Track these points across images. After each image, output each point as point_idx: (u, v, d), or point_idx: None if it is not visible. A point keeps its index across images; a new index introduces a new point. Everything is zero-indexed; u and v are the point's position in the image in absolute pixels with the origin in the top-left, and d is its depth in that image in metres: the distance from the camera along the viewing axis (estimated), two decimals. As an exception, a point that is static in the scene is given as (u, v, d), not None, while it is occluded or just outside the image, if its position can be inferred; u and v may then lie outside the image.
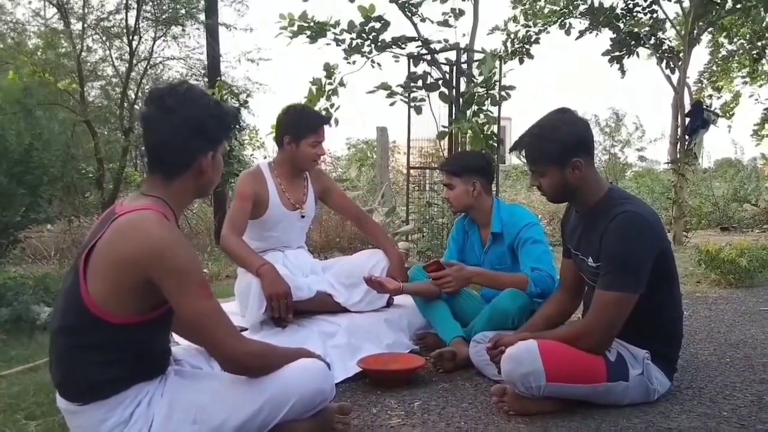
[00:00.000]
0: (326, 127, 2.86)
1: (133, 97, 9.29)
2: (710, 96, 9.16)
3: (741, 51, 8.66)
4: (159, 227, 1.48)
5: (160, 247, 1.46)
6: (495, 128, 4.55)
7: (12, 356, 2.82)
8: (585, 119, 2.14)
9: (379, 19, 4.40)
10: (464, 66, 4.57)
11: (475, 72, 4.43)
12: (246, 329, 2.57)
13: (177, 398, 1.58)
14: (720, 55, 8.85)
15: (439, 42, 4.54)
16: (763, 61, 8.57)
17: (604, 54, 7.70)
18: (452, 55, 4.62)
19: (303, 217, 2.92)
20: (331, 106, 4.60)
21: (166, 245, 1.47)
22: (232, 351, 1.56)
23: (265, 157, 8.38)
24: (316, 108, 4.55)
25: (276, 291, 2.50)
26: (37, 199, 4.26)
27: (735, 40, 8.45)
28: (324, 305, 2.80)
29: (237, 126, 1.68)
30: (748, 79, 9.15)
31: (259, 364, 1.64)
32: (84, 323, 1.49)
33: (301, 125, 2.79)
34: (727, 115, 9.40)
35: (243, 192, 2.76)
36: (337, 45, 4.52)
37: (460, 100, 4.44)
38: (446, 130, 4.42)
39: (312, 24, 4.37)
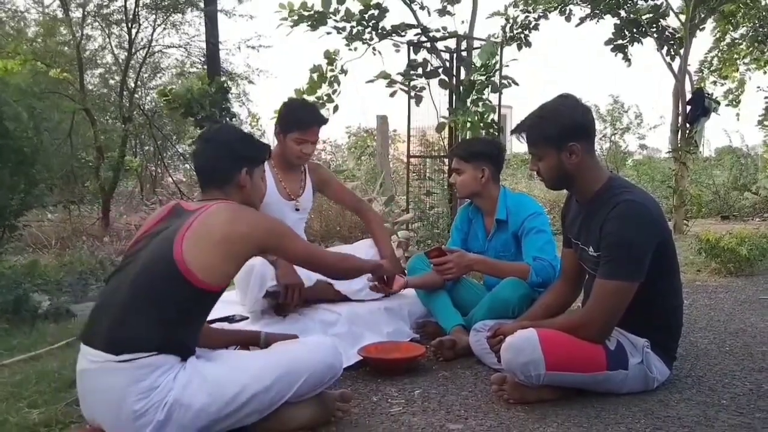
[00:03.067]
0: (318, 128, 2.81)
1: (133, 85, 9.25)
2: (714, 83, 9.10)
3: (745, 37, 8.59)
4: (258, 212, 1.86)
5: (271, 225, 1.84)
6: (495, 116, 4.54)
7: (14, 345, 2.83)
8: (587, 105, 2.13)
9: (378, 6, 4.38)
10: (464, 54, 4.55)
11: (476, 60, 4.41)
12: (247, 318, 2.58)
13: (194, 371, 1.65)
14: (724, 43, 8.78)
15: (438, 30, 4.53)
16: (766, 48, 8.50)
17: (607, 43, 7.64)
18: (452, 42, 4.61)
19: (297, 210, 2.92)
20: (333, 92, 4.59)
21: (273, 223, 1.86)
22: (333, 262, 2.04)
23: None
24: (318, 94, 4.54)
25: (292, 281, 2.55)
26: (32, 185, 4.24)
27: (738, 27, 8.38)
28: (324, 294, 2.80)
29: (267, 154, 2.04)
30: (751, 67, 9.08)
31: (350, 264, 2.14)
32: (168, 281, 1.64)
33: (289, 120, 2.81)
34: (734, 103, 9.34)
35: None
36: (338, 33, 4.50)
37: (461, 88, 4.42)
38: (445, 121, 4.41)
39: (312, 12, 4.35)
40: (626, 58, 7.76)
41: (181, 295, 1.66)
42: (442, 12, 4.51)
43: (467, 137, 4.23)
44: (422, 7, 4.54)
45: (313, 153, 2.92)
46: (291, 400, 1.74)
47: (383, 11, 4.41)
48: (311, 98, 4.50)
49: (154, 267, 1.68)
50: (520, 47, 6.93)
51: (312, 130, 2.80)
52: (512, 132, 2.17)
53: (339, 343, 2.49)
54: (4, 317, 3.22)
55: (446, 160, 4.63)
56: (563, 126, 2.03)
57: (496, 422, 1.90)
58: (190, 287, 1.65)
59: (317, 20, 4.39)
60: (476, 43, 4.61)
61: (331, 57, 4.54)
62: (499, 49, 4.41)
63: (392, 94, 4.43)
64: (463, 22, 4.66)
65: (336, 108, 4.61)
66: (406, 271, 2.91)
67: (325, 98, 4.58)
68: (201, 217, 1.71)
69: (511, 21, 7.06)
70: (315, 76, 4.55)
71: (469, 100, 4.26)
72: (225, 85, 6.67)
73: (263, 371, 1.71)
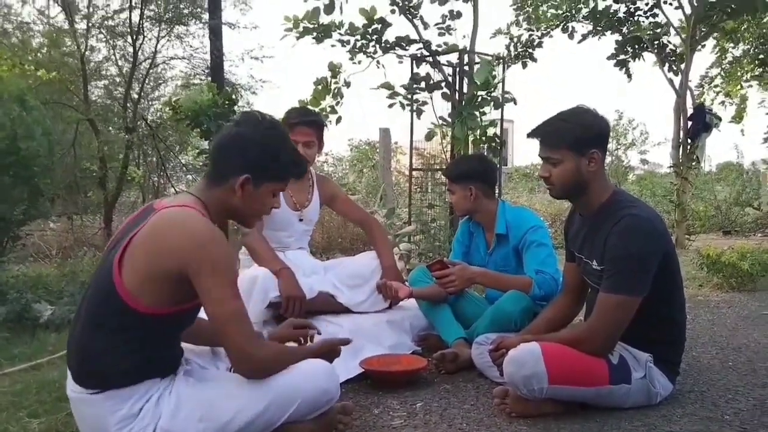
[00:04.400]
0: (310, 129, 2.79)
1: (137, 96, 9.29)
2: (722, 102, 9.14)
3: (746, 55, 8.65)
4: (200, 222, 1.56)
5: (202, 240, 1.52)
6: (497, 130, 4.57)
7: (15, 354, 2.82)
8: (605, 117, 2.13)
9: (381, 21, 4.43)
10: (466, 68, 4.59)
11: (476, 77, 4.45)
12: (259, 335, 2.58)
13: (184, 397, 1.60)
14: (726, 60, 8.84)
15: (440, 46, 4.57)
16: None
17: (609, 58, 7.70)
18: (454, 57, 4.65)
19: (301, 220, 2.92)
20: (337, 104, 4.63)
21: (208, 238, 1.52)
22: (251, 355, 1.60)
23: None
24: (322, 105, 4.58)
25: (294, 294, 2.55)
26: (35, 195, 4.25)
27: (740, 44, 8.44)
28: (327, 305, 2.80)
29: (295, 175, 1.78)
30: (752, 84, 9.13)
31: (275, 368, 1.67)
32: (113, 311, 1.53)
33: (284, 124, 2.79)
34: (737, 120, 9.37)
35: None
36: (343, 46, 4.55)
37: (462, 102, 4.45)
38: (434, 131, 4.45)
39: (317, 25, 4.40)
40: (628, 73, 7.82)
41: (134, 324, 1.54)
42: (443, 29, 4.57)
43: (465, 151, 4.27)
44: (424, 23, 4.60)
45: (312, 158, 2.88)
46: (287, 422, 1.69)
47: (386, 25, 4.46)
48: (314, 109, 4.53)
49: (100, 295, 1.56)
50: (525, 65, 6.99)
51: (299, 130, 2.77)
52: (529, 135, 2.12)
53: (341, 354, 2.50)
54: (6, 326, 3.22)
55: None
56: (588, 131, 2.02)
57: (498, 436, 1.89)
58: (139, 316, 1.52)
59: (322, 33, 4.43)
60: (478, 58, 4.65)
61: (335, 69, 4.59)
62: (497, 66, 4.45)
63: (391, 105, 4.47)
64: (464, 36, 4.72)
65: (339, 119, 4.65)
66: (407, 283, 2.91)
67: (328, 109, 4.62)
68: (145, 226, 1.55)
69: (515, 40, 7.13)
70: (319, 87, 4.59)
71: (470, 113, 4.28)
72: (233, 96, 6.70)
73: (257, 396, 1.63)
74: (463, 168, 2.80)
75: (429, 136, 4.49)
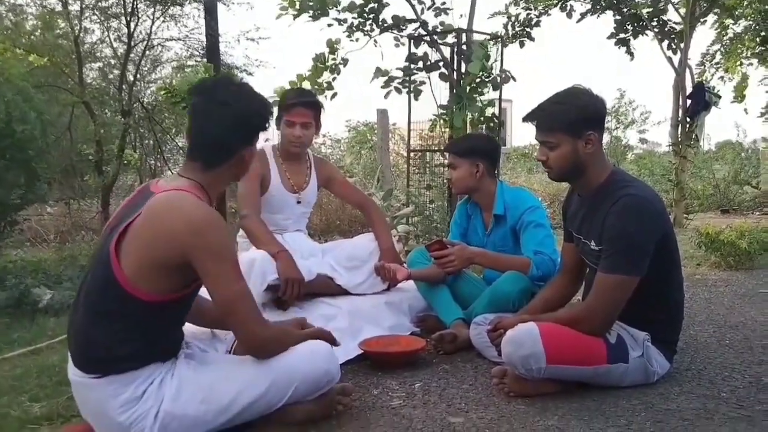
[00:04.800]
0: (307, 111, 2.76)
1: (132, 78, 9.22)
2: (721, 78, 9.06)
3: (747, 32, 8.56)
4: (198, 206, 1.54)
5: (200, 224, 1.51)
6: (495, 110, 4.54)
7: (14, 339, 2.83)
8: (601, 97, 2.11)
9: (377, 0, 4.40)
10: (464, 47, 4.55)
11: (471, 67, 4.41)
12: (263, 316, 2.59)
13: (186, 379, 1.62)
14: (726, 37, 8.75)
15: (436, 26, 4.54)
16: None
17: (609, 37, 7.62)
18: (451, 37, 4.61)
19: (299, 202, 2.92)
20: (333, 79, 4.60)
21: (206, 223, 1.52)
22: (257, 334, 1.64)
23: (267, 140, 8.35)
24: (318, 82, 4.55)
25: (293, 275, 2.55)
26: (32, 179, 4.24)
27: (740, 21, 8.35)
28: (325, 288, 2.80)
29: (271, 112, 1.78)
30: (752, 61, 9.06)
31: (278, 349, 1.71)
32: (113, 298, 1.53)
33: (279, 106, 2.82)
34: (739, 98, 9.31)
35: (250, 172, 2.76)
36: (339, 24, 4.51)
37: (461, 82, 4.42)
38: (436, 120, 4.43)
39: (313, 3, 4.35)
40: (629, 52, 7.74)
41: (134, 311, 1.54)
42: (440, 9, 4.53)
43: (464, 131, 4.24)
44: (421, 2, 4.55)
45: (309, 140, 2.87)
46: (288, 403, 1.71)
47: (382, 5, 4.42)
48: (311, 85, 4.52)
49: (99, 279, 1.55)
50: (522, 45, 6.92)
51: (296, 111, 2.76)
52: (524, 119, 2.11)
53: (339, 336, 2.50)
54: (5, 311, 3.22)
55: (447, 154, 4.65)
56: (584, 113, 2.00)
57: (496, 415, 1.90)
58: (139, 303, 1.52)
59: (319, 11, 4.39)
60: (476, 36, 4.61)
61: (333, 46, 4.55)
62: (494, 45, 4.40)
63: (386, 95, 4.45)
64: (461, 16, 4.67)
65: (334, 95, 4.63)
66: (405, 265, 2.91)
67: (325, 85, 4.60)
68: (142, 212, 1.53)
69: (512, 19, 7.05)
70: (318, 64, 4.56)
71: (470, 94, 4.26)
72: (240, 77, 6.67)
73: (257, 377, 1.65)
74: (471, 144, 2.79)
75: (432, 128, 4.49)
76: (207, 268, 1.52)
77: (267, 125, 1.73)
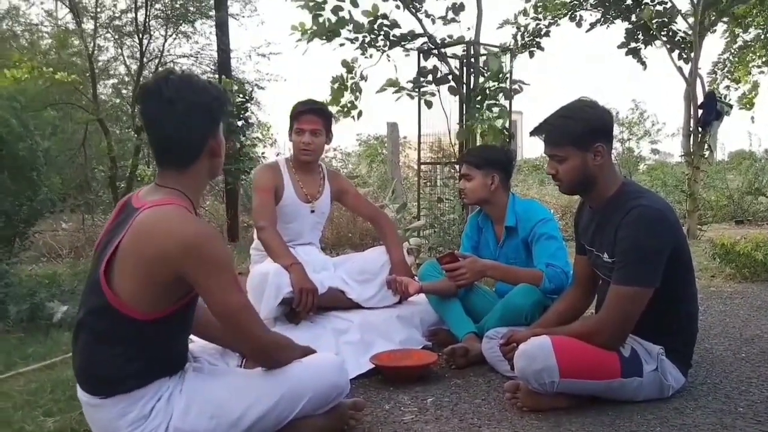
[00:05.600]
0: (317, 118, 2.80)
1: (145, 95, 9.34)
2: (727, 87, 9.04)
3: (758, 40, 8.53)
4: (188, 222, 1.49)
5: (193, 241, 1.46)
6: (507, 122, 4.55)
7: (29, 353, 2.85)
8: (608, 109, 2.12)
9: (385, 16, 4.45)
10: (473, 60, 4.58)
11: (490, 65, 4.44)
12: (264, 323, 2.60)
13: (195, 394, 1.60)
14: (736, 45, 8.73)
15: (443, 39, 4.58)
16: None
17: (620, 47, 7.61)
18: (460, 50, 4.64)
19: (312, 212, 2.94)
20: (356, 99, 4.65)
21: (199, 239, 1.47)
22: (262, 342, 1.63)
23: (278, 154, 8.42)
24: (341, 103, 4.61)
25: (307, 286, 2.56)
26: (36, 189, 4.29)
27: (750, 29, 8.33)
28: (336, 301, 2.81)
29: (228, 103, 1.69)
30: (764, 69, 9.02)
31: (282, 354, 1.70)
32: (110, 321, 1.51)
33: (291, 115, 2.88)
34: (747, 106, 9.26)
35: (264, 184, 2.83)
36: (352, 43, 4.57)
37: (471, 94, 4.44)
38: (463, 128, 4.45)
39: (326, 24, 4.42)
40: (641, 62, 7.73)
41: (134, 332, 1.50)
42: (447, 21, 4.57)
43: (481, 143, 4.26)
44: (428, 16, 4.59)
45: (320, 147, 2.90)
46: (298, 417, 1.69)
47: (393, 23, 4.49)
48: (335, 108, 4.59)
49: (94, 305, 1.52)
50: (532, 55, 6.94)
51: (305, 119, 2.80)
52: (532, 133, 2.11)
53: (351, 350, 2.52)
54: (20, 326, 3.25)
55: (458, 167, 4.66)
56: (591, 126, 2.00)
57: (509, 430, 1.88)
58: (137, 323, 1.49)
59: (331, 32, 4.45)
60: (483, 49, 4.64)
61: (349, 66, 4.60)
62: (504, 59, 4.42)
63: (398, 99, 4.49)
64: (468, 28, 4.71)
65: (360, 114, 4.67)
66: (417, 278, 2.91)
67: (348, 106, 4.64)
68: (129, 231, 1.48)
69: (522, 29, 7.07)
70: (335, 86, 4.61)
71: (483, 106, 4.28)
72: (248, 92, 6.75)
73: (267, 391, 1.64)
74: (489, 155, 2.79)
75: (460, 135, 4.52)
76: (204, 283, 1.49)
77: (224, 108, 1.62)
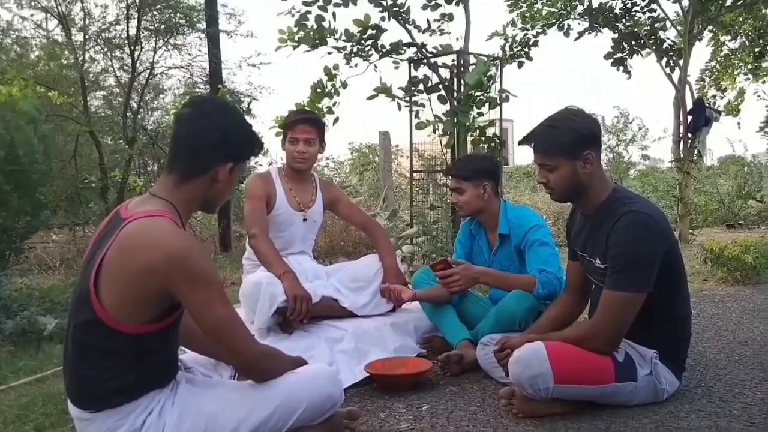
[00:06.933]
0: (310, 127, 2.83)
1: (136, 106, 9.32)
2: (714, 96, 9.15)
3: (743, 48, 8.65)
4: (175, 235, 1.48)
5: (180, 255, 1.46)
6: (497, 130, 4.57)
7: (20, 367, 2.82)
8: (595, 117, 2.14)
9: (376, 27, 4.47)
10: (462, 69, 4.61)
11: (469, 78, 4.46)
12: (252, 335, 2.58)
13: (188, 406, 1.59)
14: (722, 53, 8.84)
15: (434, 48, 4.61)
16: (766, 57, 8.54)
17: (606, 57, 7.69)
18: (451, 59, 4.67)
19: (305, 220, 2.94)
20: (334, 104, 4.66)
21: (186, 253, 1.47)
22: (251, 355, 1.62)
23: (271, 164, 8.41)
24: (318, 106, 4.62)
25: (300, 293, 2.56)
26: (39, 209, 4.28)
27: (737, 37, 8.44)
28: (330, 310, 2.80)
29: (259, 152, 1.75)
30: (750, 77, 9.13)
31: (273, 366, 1.68)
32: (97, 334, 1.49)
33: (284, 124, 2.92)
34: (734, 112, 9.36)
35: (256, 193, 2.84)
36: (339, 52, 4.58)
37: (459, 102, 4.46)
38: (427, 123, 4.47)
39: (312, 33, 4.43)
40: (626, 71, 7.81)
41: (122, 346, 1.49)
42: (433, 31, 4.61)
43: (464, 151, 4.27)
44: (417, 26, 4.63)
45: (313, 156, 2.91)
46: (292, 429, 1.68)
47: (380, 32, 4.51)
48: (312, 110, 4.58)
49: (82, 320, 1.51)
50: (520, 65, 6.98)
51: (300, 128, 2.82)
52: (521, 142, 2.14)
53: (345, 359, 2.51)
54: (10, 339, 3.22)
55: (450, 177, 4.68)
56: (578, 134, 2.02)
57: (505, 437, 1.88)
58: (125, 337, 1.48)
59: (317, 40, 4.46)
60: (473, 58, 4.67)
61: (330, 73, 4.62)
62: (492, 66, 4.45)
63: (391, 101, 4.50)
64: (457, 39, 4.74)
65: (336, 120, 4.68)
66: (410, 286, 2.90)
67: (325, 110, 4.65)
68: (114, 243, 1.48)
69: (510, 40, 7.12)
70: (317, 90, 4.62)
71: (460, 111, 4.29)
72: (248, 103, 6.75)
73: (261, 403, 1.62)
74: (476, 166, 2.77)
75: (420, 126, 4.51)
76: (191, 297, 1.48)
77: (247, 150, 1.68)
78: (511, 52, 7.12)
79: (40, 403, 2.28)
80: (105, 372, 1.51)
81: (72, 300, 1.61)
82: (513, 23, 7.32)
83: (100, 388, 1.52)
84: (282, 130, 2.97)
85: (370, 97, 4.42)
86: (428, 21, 4.65)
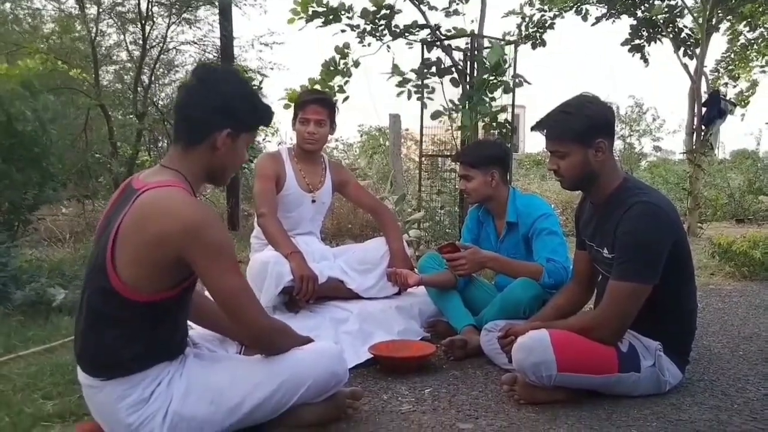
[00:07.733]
0: (321, 108, 2.82)
1: (147, 81, 9.31)
2: (725, 84, 9.02)
3: (761, 39, 8.50)
4: (189, 204, 1.50)
5: (195, 224, 1.46)
6: (509, 116, 4.54)
7: (29, 337, 2.86)
8: (609, 104, 2.11)
9: (389, 7, 4.43)
10: (476, 53, 4.57)
11: (488, 58, 4.42)
12: (264, 309, 2.61)
13: (195, 379, 1.61)
14: (738, 43, 8.69)
15: (449, 31, 4.56)
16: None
17: (623, 43, 7.58)
18: (463, 42, 4.63)
19: (314, 201, 2.94)
20: (345, 83, 4.64)
21: (201, 223, 1.47)
22: (261, 327, 1.63)
23: (280, 143, 8.41)
24: (330, 84, 4.60)
25: (307, 273, 2.57)
26: (46, 181, 4.31)
27: (756, 28, 8.29)
28: (336, 291, 2.82)
29: (267, 122, 1.71)
30: (765, 69, 8.98)
31: (282, 340, 1.70)
32: (113, 304, 1.51)
33: (295, 104, 2.90)
34: (742, 103, 9.24)
35: (265, 173, 2.84)
36: (352, 30, 4.55)
37: (472, 86, 4.43)
38: (442, 112, 4.44)
39: (325, 9, 4.40)
40: (644, 58, 7.69)
41: (136, 315, 1.52)
42: (449, 13, 4.56)
43: (474, 137, 4.25)
44: (431, 8, 4.58)
45: (324, 137, 2.90)
46: (297, 405, 1.71)
47: (394, 12, 4.46)
48: (321, 89, 4.55)
49: (97, 288, 1.53)
50: (534, 46, 6.91)
51: (311, 108, 2.81)
52: (533, 128, 2.11)
53: (350, 340, 2.52)
54: (20, 310, 3.26)
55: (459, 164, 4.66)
56: (592, 121, 2.00)
57: (506, 422, 1.90)
58: (139, 306, 1.50)
59: (331, 16, 4.43)
60: (487, 42, 4.63)
61: (342, 51, 4.59)
62: (508, 49, 4.40)
63: (399, 94, 4.47)
64: (472, 21, 4.69)
65: (346, 98, 4.66)
66: (416, 270, 2.91)
67: (337, 88, 4.63)
68: (129, 213, 1.49)
69: (527, 20, 7.03)
70: (330, 68, 4.60)
71: (476, 98, 4.26)
72: (259, 81, 6.70)
73: (266, 379, 1.65)
74: (485, 152, 2.75)
75: (435, 116, 4.49)
76: (204, 266, 1.49)
77: (249, 117, 1.64)
78: (527, 33, 7.03)
79: (49, 372, 2.31)
80: (117, 340, 1.53)
81: (87, 269, 1.63)
82: (530, 2, 7.21)
83: (113, 356, 1.54)
84: (292, 105, 2.97)
85: (386, 73, 4.38)
86: (446, 9, 4.61)
